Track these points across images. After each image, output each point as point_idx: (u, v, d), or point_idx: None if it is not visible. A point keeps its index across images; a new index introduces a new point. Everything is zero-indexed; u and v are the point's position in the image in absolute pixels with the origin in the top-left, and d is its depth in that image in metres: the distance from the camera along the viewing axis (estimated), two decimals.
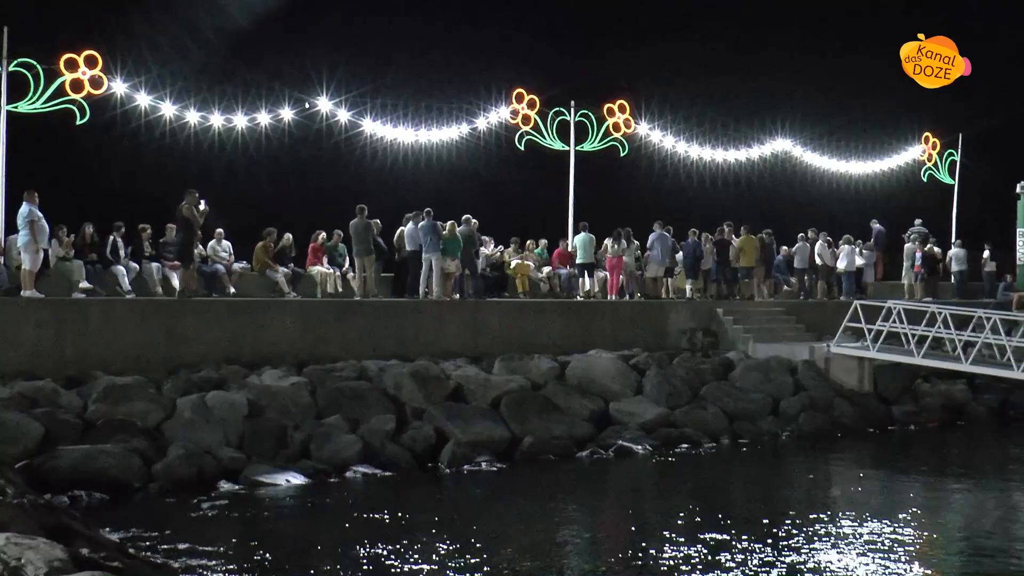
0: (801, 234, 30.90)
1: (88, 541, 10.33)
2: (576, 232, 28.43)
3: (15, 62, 22.58)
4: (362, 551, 12.93)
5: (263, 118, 26.16)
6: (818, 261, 30.73)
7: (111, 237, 22.86)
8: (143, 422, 17.61)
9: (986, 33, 40.13)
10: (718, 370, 24.39)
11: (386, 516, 14.94)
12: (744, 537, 13.86)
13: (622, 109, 30.99)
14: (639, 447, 20.35)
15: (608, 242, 27.90)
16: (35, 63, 22.74)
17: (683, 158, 33.03)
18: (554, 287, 27.99)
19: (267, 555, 12.70)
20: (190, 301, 22.15)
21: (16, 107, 22.76)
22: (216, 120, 25.60)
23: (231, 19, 30.94)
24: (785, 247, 31.13)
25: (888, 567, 12.68)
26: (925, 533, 14.83)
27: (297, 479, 16.95)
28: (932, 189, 38.27)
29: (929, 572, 12.85)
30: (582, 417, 21.08)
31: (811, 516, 15.24)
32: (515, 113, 29.24)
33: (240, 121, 25.90)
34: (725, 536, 13.92)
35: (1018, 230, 31.77)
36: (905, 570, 12.63)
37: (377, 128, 27.87)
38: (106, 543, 11.06)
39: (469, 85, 29.46)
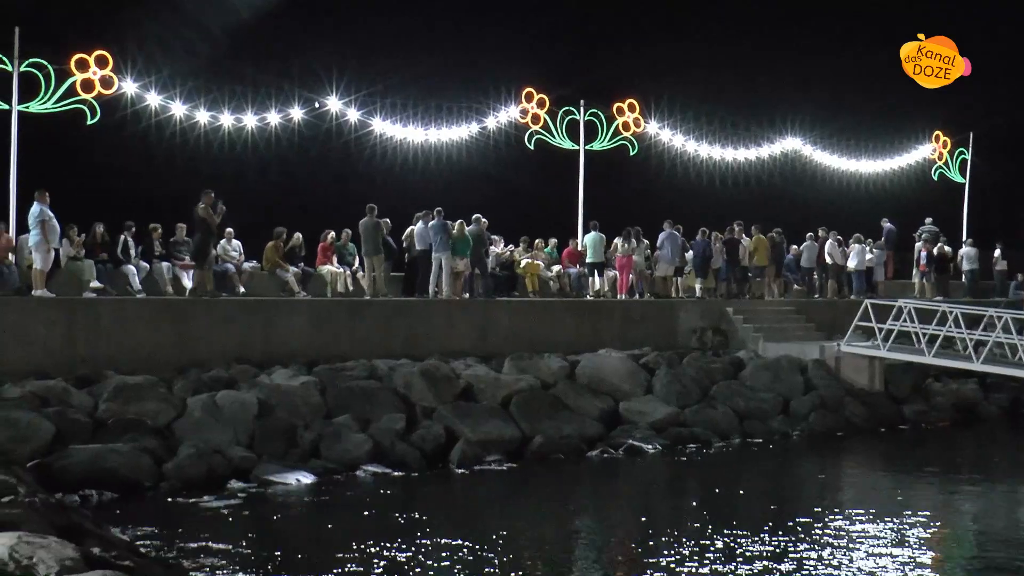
0: (810, 233, 30.87)
1: (99, 540, 10.35)
2: (586, 231, 28.42)
3: (26, 62, 22.66)
4: (372, 550, 12.94)
5: (273, 118, 26.20)
6: (828, 260, 30.67)
7: (122, 236, 22.90)
8: (154, 421, 17.65)
9: (989, 32, 40.01)
10: (728, 369, 24.36)
11: (396, 515, 14.95)
12: (754, 537, 13.84)
13: (632, 108, 30.96)
14: (649, 446, 20.34)
15: (618, 241, 27.89)
16: (46, 63, 22.83)
17: (692, 157, 32.99)
18: (564, 286, 27.97)
19: (277, 554, 12.71)
20: (201, 301, 22.17)
21: (27, 107, 22.84)
22: (226, 120, 25.65)
23: (241, 18, 30.96)
24: (795, 246, 31.10)
25: (899, 567, 12.64)
26: (936, 533, 14.80)
27: (307, 478, 16.98)
28: (943, 188, 38.16)
29: (941, 572, 12.82)
30: (592, 416, 21.08)
31: (821, 516, 15.21)
32: (525, 112, 29.23)
33: (250, 121, 25.94)
34: (735, 536, 13.90)
35: None
36: (917, 570, 12.60)
37: (387, 127, 27.89)
38: (117, 542, 11.09)
39: (479, 84, 29.47)
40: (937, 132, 38.14)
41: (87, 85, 23.16)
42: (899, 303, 24.90)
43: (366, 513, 15.14)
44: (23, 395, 17.61)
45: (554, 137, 29.68)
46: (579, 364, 22.78)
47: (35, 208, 20.89)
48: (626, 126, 30.75)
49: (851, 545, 13.61)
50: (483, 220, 25.92)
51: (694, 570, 12.37)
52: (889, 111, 38.15)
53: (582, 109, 30.05)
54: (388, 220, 25.36)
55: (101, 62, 23.35)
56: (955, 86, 31.26)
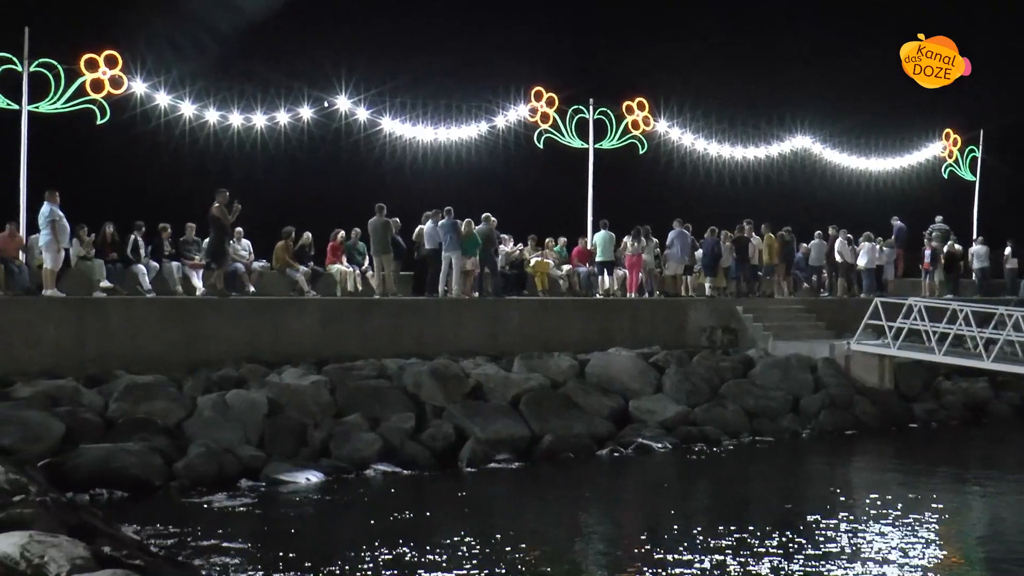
0: (817, 231, 30.83)
1: (110, 539, 10.37)
2: (595, 230, 28.40)
3: (36, 62, 22.70)
4: (382, 549, 12.94)
5: (282, 117, 26.21)
6: (838, 258, 30.64)
7: (131, 236, 22.97)
8: (164, 421, 17.67)
9: (989, 32, 39.87)
10: (738, 368, 24.34)
11: (406, 514, 14.96)
12: (764, 536, 13.82)
13: (641, 107, 30.89)
14: (659, 445, 20.33)
15: (627, 240, 27.89)
16: (56, 63, 22.86)
17: (702, 155, 32.92)
18: (573, 285, 27.96)
19: (287, 553, 12.72)
20: (210, 300, 22.22)
21: (37, 107, 22.88)
22: (235, 119, 25.66)
23: (249, 18, 30.99)
24: (804, 244, 31.06)
25: (910, 566, 12.62)
26: (947, 532, 14.77)
27: (317, 477, 17.00)
28: (953, 186, 38.02)
29: (952, 571, 12.79)
30: (602, 415, 21.06)
31: (831, 515, 15.19)
32: (534, 111, 29.19)
33: (259, 120, 25.95)
34: (745, 534, 13.88)
35: None
36: (927, 569, 12.57)
37: (396, 126, 27.87)
38: (127, 541, 11.11)
39: (488, 83, 29.44)
40: (947, 130, 38.00)
41: (97, 85, 23.19)
42: (909, 301, 24.84)
43: (376, 512, 15.15)
44: (34, 395, 17.66)
45: (563, 136, 29.65)
46: (589, 363, 22.77)
47: (45, 208, 20.95)
48: (635, 125, 30.70)
49: (861, 544, 13.59)
50: (492, 219, 25.93)
51: (704, 569, 12.36)
52: (899, 109, 38.05)
53: (591, 108, 30.01)
54: (397, 219, 25.36)
55: (111, 62, 23.38)
56: (965, 83, 31.21)
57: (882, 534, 14.12)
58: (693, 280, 29.27)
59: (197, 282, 23.22)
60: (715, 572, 12.27)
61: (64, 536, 9.15)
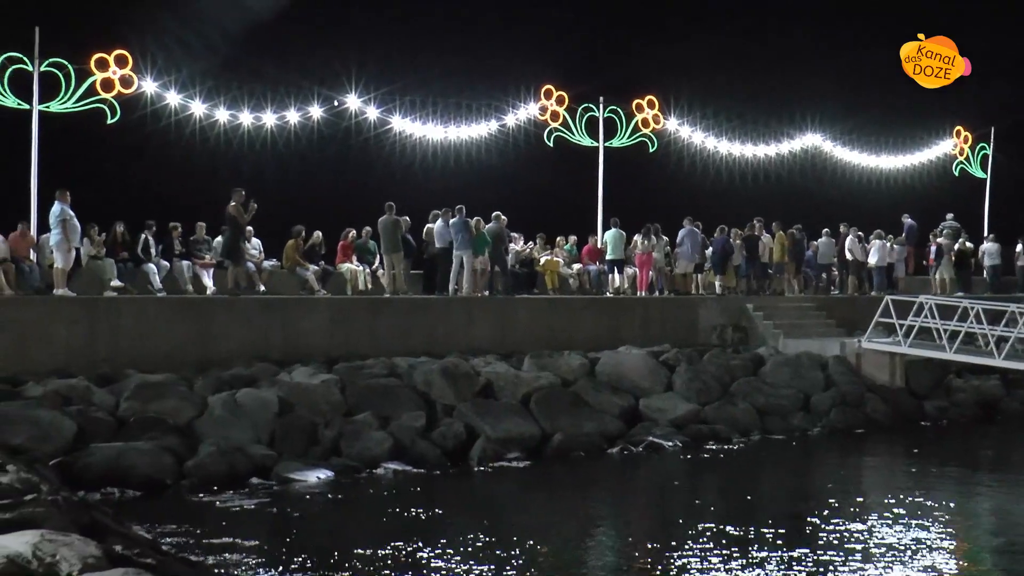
0: (825, 229, 30.77)
1: (121, 538, 10.38)
2: (606, 228, 28.38)
3: (47, 62, 22.76)
4: (392, 547, 12.95)
5: (292, 116, 26.25)
6: (849, 256, 30.60)
7: (142, 235, 23.03)
8: (175, 420, 17.70)
9: (990, 32, 39.72)
10: (748, 366, 24.30)
11: (416, 513, 14.96)
12: (775, 533, 13.80)
13: (651, 105, 30.88)
14: (669, 443, 20.32)
15: (638, 238, 27.87)
16: (66, 63, 22.93)
17: (712, 154, 32.89)
18: (583, 283, 27.95)
19: (298, 551, 12.73)
20: (221, 299, 22.26)
21: (48, 107, 22.94)
22: (245, 118, 25.70)
23: (259, 16, 31.02)
24: (814, 242, 31.00)
25: (920, 564, 12.58)
26: (958, 530, 14.72)
27: (327, 476, 17.01)
28: (964, 183, 37.93)
29: (962, 570, 12.76)
30: (612, 414, 21.05)
31: (842, 512, 15.16)
32: (544, 109, 29.18)
33: (269, 119, 25.99)
34: (756, 533, 13.86)
35: None
36: (938, 567, 12.54)
37: (406, 125, 27.90)
38: (139, 539, 11.12)
39: (498, 82, 29.46)
40: (958, 127, 37.92)
41: (107, 84, 23.25)
42: (920, 299, 24.80)
43: (386, 510, 15.15)
44: (45, 394, 17.70)
45: (573, 134, 29.63)
46: (599, 361, 22.76)
47: (56, 208, 20.99)
48: (645, 123, 30.68)
49: (872, 542, 13.55)
50: (503, 217, 25.94)
51: (714, 567, 12.34)
52: (910, 106, 37.95)
53: (601, 106, 30.00)
54: (407, 218, 25.37)
55: (121, 61, 23.43)
56: (972, 81, 31.11)
57: (893, 532, 14.09)
58: (703, 278, 29.24)
59: (207, 281, 23.26)
60: (725, 570, 12.25)
61: (76, 535, 9.16)
